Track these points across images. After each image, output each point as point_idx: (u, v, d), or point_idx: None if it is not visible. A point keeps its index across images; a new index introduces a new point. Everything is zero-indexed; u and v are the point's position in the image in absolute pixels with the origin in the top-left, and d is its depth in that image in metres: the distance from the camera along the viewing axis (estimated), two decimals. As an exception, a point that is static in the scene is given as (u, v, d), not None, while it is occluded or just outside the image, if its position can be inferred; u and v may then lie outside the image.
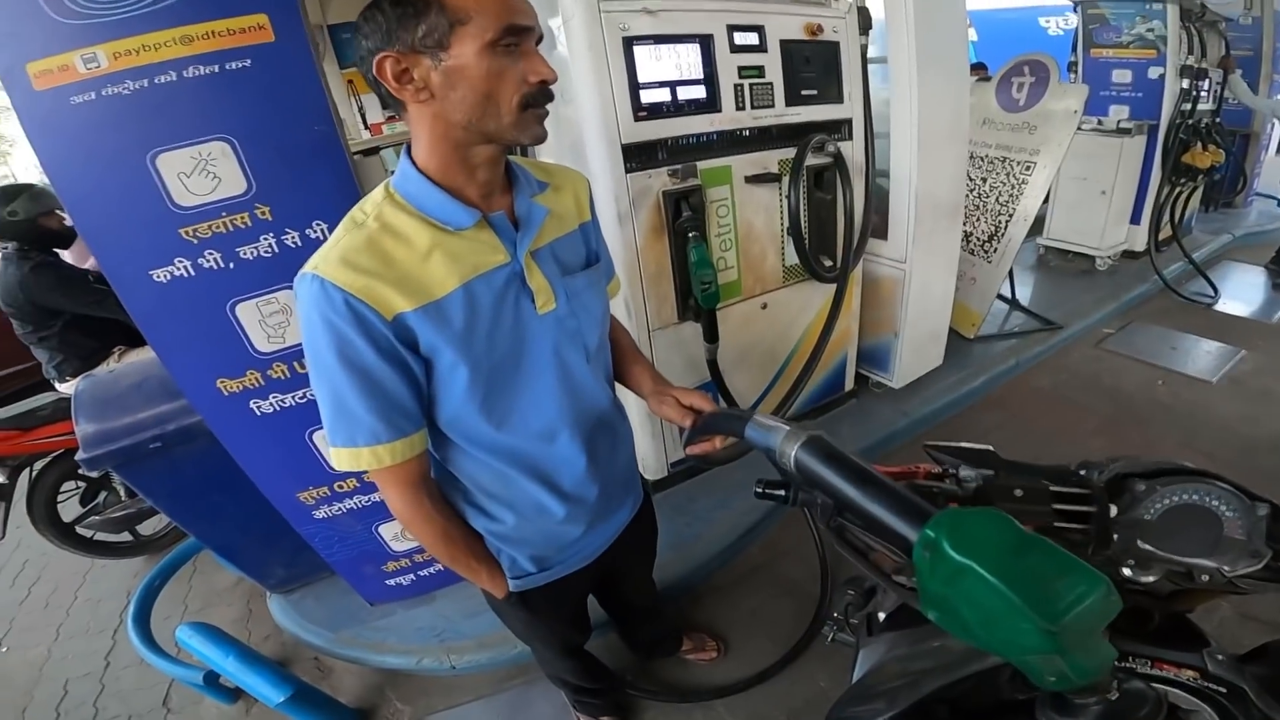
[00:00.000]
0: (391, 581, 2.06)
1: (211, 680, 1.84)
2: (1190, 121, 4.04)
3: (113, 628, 2.43)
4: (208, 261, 1.39)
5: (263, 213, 1.40)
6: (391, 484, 0.91)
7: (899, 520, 0.56)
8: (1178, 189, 4.18)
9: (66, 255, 2.86)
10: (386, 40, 0.75)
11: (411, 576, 2.07)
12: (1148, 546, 0.70)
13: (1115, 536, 0.71)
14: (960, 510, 0.51)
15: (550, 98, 0.82)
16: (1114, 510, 0.73)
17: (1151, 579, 0.70)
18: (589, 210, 1.06)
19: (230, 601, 2.48)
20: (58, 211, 2.70)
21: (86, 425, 1.77)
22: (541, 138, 0.83)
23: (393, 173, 0.88)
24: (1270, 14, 4.84)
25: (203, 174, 1.33)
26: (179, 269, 1.38)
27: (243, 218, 1.38)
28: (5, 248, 2.70)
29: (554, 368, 0.96)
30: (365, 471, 0.89)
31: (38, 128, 1.23)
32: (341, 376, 0.80)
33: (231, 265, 1.41)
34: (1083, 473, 0.77)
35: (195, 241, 1.37)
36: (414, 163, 0.84)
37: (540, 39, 0.81)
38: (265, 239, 1.42)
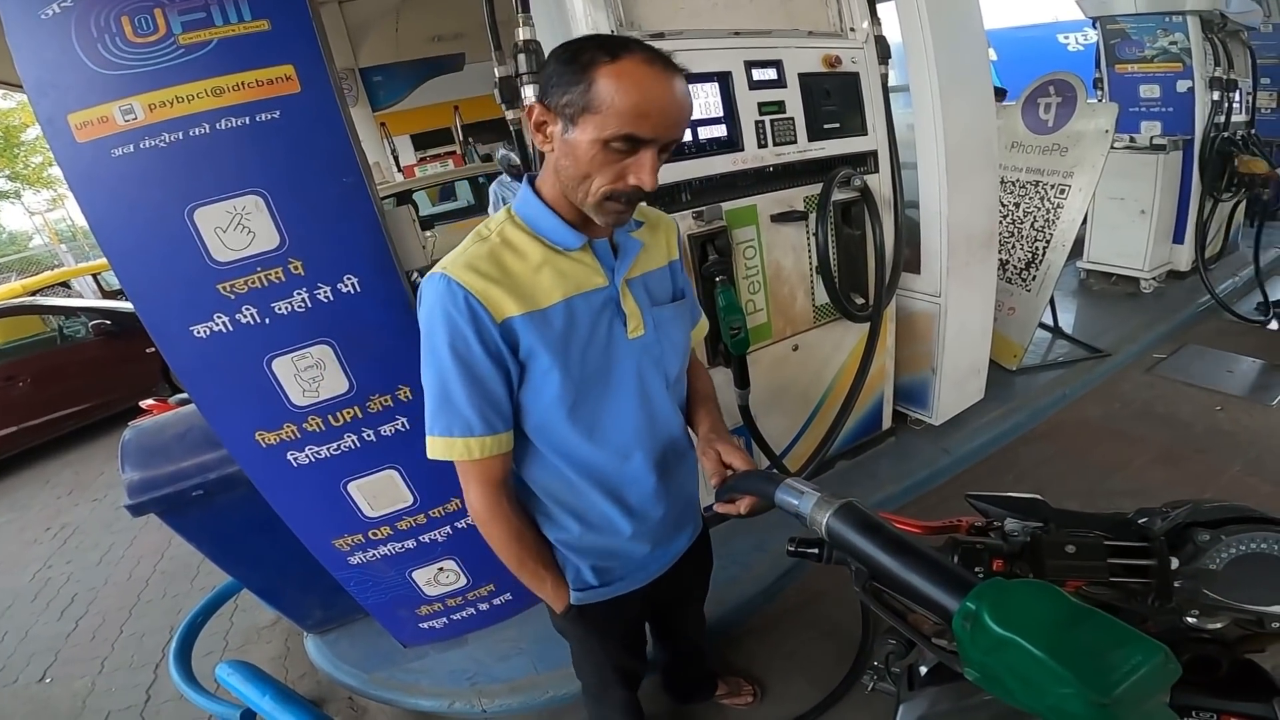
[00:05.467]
0: (425, 624, 2.05)
1: (249, 718, 1.86)
2: (1225, 134, 3.93)
3: (155, 662, 2.48)
4: (245, 317, 1.43)
5: (296, 267, 1.43)
6: (475, 480, 0.98)
7: (938, 591, 0.53)
8: (1235, 200, 4.01)
9: None
10: (543, 91, 0.86)
11: (444, 620, 2.06)
12: (1214, 596, 0.67)
13: (1177, 585, 0.68)
14: (1003, 582, 0.48)
15: (639, 199, 0.90)
16: (1175, 563, 0.69)
17: (1218, 626, 0.68)
18: (676, 251, 1.15)
19: (269, 639, 2.51)
20: None
21: (132, 473, 1.82)
22: (617, 224, 0.92)
23: (493, 207, 0.93)
24: (1291, 21, 4.73)
25: (238, 228, 1.37)
26: (218, 324, 1.42)
27: (277, 273, 1.42)
28: None
29: (636, 390, 1.03)
30: (452, 464, 0.97)
31: (81, 180, 1.29)
32: (450, 367, 0.90)
33: (267, 321, 1.45)
34: (1142, 521, 0.74)
35: (233, 297, 1.41)
36: (535, 190, 0.96)
37: (670, 146, 0.88)
38: (299, 294, 1.45)
